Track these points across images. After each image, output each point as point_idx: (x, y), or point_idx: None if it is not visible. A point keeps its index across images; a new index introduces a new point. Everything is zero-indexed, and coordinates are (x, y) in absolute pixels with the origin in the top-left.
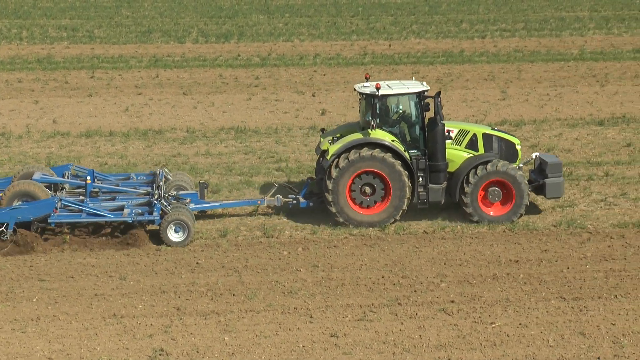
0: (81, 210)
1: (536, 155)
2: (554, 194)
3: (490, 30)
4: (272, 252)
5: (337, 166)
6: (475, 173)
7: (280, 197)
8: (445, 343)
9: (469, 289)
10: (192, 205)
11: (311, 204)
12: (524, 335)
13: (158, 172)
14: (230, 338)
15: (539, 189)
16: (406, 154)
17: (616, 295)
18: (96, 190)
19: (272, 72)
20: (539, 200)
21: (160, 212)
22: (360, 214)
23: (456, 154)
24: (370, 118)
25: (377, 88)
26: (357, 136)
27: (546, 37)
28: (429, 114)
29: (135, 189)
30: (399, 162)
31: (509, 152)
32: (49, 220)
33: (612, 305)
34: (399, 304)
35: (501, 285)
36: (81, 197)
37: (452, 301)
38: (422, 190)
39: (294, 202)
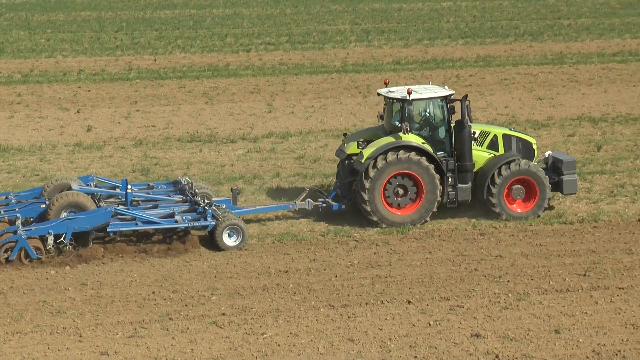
0: (134, 219)
1: (549, 154)
2: (570, 190)
3: (255, 44)
4: (39, 272)
5: (374, 167)
6: (501, 172)
7: (311, 200)
8: (217, 356)
9: (239, 301)
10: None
11: (343, 206)
12: (294, 344)
13: (181, 180)
14: None
15: (555, 186)
16: (436, 156)
17: (382, 301)
18: (136, 199)
19: (35, 88)
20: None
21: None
22: (394, 214)
23: (479, 155)
24: (402, 122)
25: (409, 93)
26: (389, 140)
27: (309, 50)
28: (454, 117)
29: (170, 197)
30: (432, 164)
31: (527, 152)
32: (108, 230)
33: (379, 311)
34: (170, 318)
35: (271, 296)
36: (120, 207)
37: (224, 314)
38: (451, 190)
39: (324, 205)
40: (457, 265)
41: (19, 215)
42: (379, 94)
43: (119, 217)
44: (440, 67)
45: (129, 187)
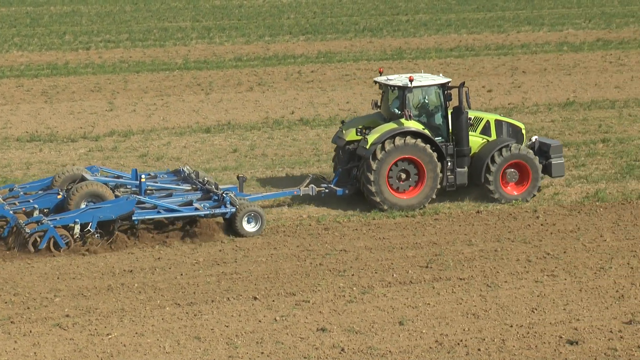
0: (156, 207)
1: (535, 139)
2: (558, 172)
3: (94, 41)
4: None
5: (382, 151)
6: (497, 157)
7: (314, 186)
8: (61, 358)
9: (83, 302)
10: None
11: (347, 191)
12: (140, 344)
13: (184, 169)
14: None
15: (544, 169)
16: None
17: (228, 298)
18: (150, 188)
19: None
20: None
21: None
22: (398, 198)
23: (473, 140)
24: (404, 109)
25: (411, 80)
26: (392, 126)
27: (150, 47)
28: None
29: (179, 185)
30: (434, 149)
31: (516, 136)
32: (133, 218)
33: (225, 308)
34: (12, 322)
35: (116, 296)
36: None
37: (67, 315)
38: (450, 174)
39: (326, 190)
40: (302, 260)
41: (36, 205)
42: (375, 82)
43: (140, 205)
44: (282, 64)
45: (142, 176)
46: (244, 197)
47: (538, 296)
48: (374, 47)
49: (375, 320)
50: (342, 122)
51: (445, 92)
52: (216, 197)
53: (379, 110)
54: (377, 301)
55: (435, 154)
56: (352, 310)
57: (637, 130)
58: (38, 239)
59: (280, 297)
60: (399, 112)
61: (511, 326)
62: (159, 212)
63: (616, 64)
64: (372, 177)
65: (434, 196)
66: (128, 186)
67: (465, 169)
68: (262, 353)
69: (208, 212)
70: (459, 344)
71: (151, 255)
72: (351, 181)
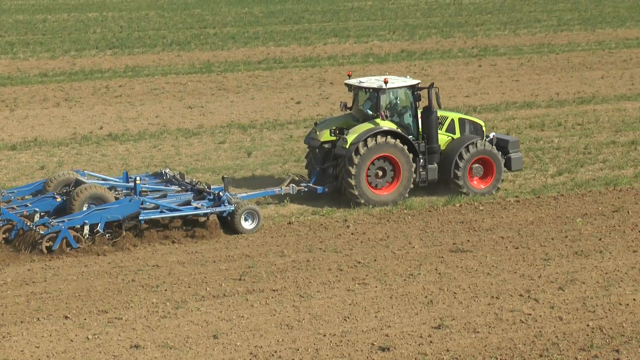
0: (158, 207)
1: (493, 135)
2: (517, 166)
3: None
4: None
5: (363, 149)
6: (467, 152)
7: (295, 185)
8: None
9: None
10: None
11: (326, 189)
12: None
13: (165, 172)
14: None
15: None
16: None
17: (38, 318)
18: (145, 190)
19: None
20: None
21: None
22: (377, 195)
23: (440, 138)
24: (380, 110)
25: (386, 82)
26: (369, 126)
27: None
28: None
29: (168, 187)
30: (408, 148)
31: (477, 133)
32: (140, 218)
33: (35, 329)
34: None
35: None
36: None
37: None
38: (422, 170)
39: (305, 189)
40: (114, 277)
41: (36, 209)
42: (346, 84)
43: (142, 206)
44: (89, 78)
45: (137, 178)
46: (237, 196)
47: (350, 304)
48: (182, 61)
49: (189, 335)
50: (315, 123)
51: (415, 92)
52: (210, 197)
53: (349, 111)
54: (191, 315)
55: (410, 153)
56: (166, 326)
57: None
58: (51, 241)
59: (92, 315)
60: (372, 112)
61: (324, 335)
62: (161, 212)
63: (420, 74)
64: (353, 173)
65: (407, 194)
66: (118, 188)
67: (436, 165)
68: None
69: (208, 210)
70: (273, 355)
71: None
72: (328, 179)
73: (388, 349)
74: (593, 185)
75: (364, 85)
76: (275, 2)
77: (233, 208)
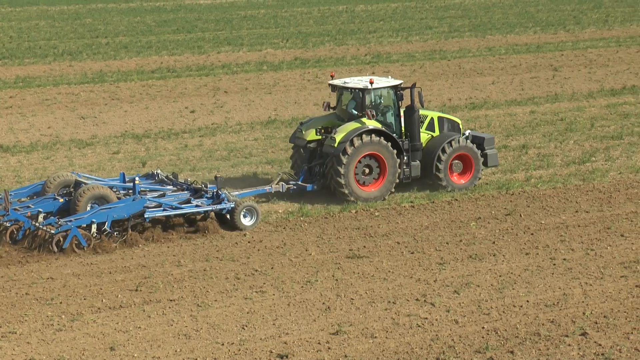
0: (160, 205)
1: (469, 132)
2: (493, 162)
3: None
4: None
5: (350, 148)
6: (445, 150)
7: (284, 184)
8: None
9: None
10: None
11: (315, 187)
12: None
13: (158, 172)
14: None
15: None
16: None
17: None
18: (143, 190)
19: None
20: None
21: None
22: (365, 191)
23: (421, 136)
24: (366, 109)
25: (371, 83)
26: (356, 125)
27: None
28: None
29: (164, 187)
30: (393, 146)
31: (455, 131)
32: (145, 216)
33: None
34: None
35: None
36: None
37: None
38: (406, 167)
39: (295, 187)
40: (8, 290)
41: (40, 210)
42: (330, 85)
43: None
44: None
45: (136, 178)
46: (233, 194)
47: (248, 313)
48: (74, 71)
49: (85, 348)
50: (301, 123)
51: (398, 92)
52: (208, 195)
53: (332, 111)
54: (87, 328)
55: (395, 150)
56: (62, 339)
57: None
58: (61, 239)
59: None
60: (357, 112)
61: (222, 344)
62: (165, 210)
63: (314, 82)
64: (342, 171)
65: (393, 189)
66: (115, 188)
67: (418, 162)
68: None
69: (209, 208)
70: None
71: None
72: (316, 177)
73: (287, 357)
74: (486, 189)
75: (349, 85)
76: (167, 10)
77: (232, 205)
